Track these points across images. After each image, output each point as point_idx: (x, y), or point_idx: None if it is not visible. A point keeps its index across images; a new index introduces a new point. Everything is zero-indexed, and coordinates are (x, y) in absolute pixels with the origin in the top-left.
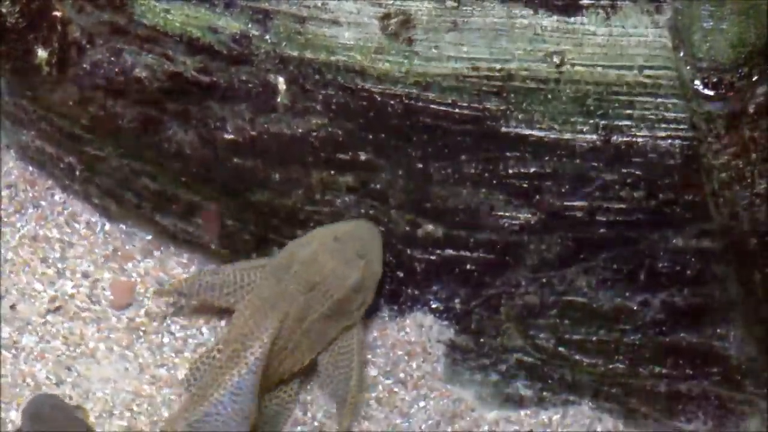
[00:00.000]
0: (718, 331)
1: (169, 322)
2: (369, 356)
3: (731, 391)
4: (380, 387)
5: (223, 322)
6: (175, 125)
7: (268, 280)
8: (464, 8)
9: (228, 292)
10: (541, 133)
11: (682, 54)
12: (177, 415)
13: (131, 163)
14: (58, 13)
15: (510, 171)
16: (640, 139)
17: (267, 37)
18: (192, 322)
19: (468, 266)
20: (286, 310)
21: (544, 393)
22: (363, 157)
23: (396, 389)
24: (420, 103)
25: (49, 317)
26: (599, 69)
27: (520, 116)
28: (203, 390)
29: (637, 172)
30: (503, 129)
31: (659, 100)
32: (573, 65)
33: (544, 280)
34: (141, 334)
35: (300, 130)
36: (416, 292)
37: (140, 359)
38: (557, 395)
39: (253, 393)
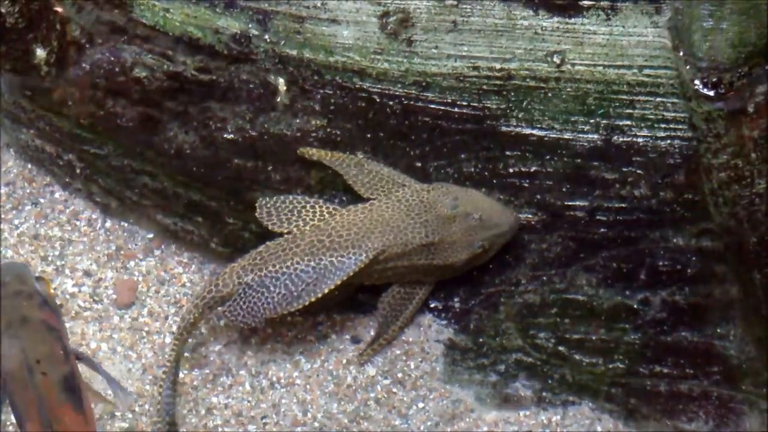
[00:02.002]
0: (719, 330)
1: (170, 322)
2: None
3: (731, 391)
4: (378, 387)
5: (222, 322)
6: (175, 125)
7: (400, 206)
8: (464, 7)
9: (368, 184)
10: (542, 133)
11: (681, 54)
12: (230, 270)
13: (131, 163)
14: (57, 12)
15: (510, 170)
16: (640, 139)
17: (266, 36)
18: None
19: None
20: (390, 245)
21: (544, 393)
22: (361, 156)
23: (395, 390)
24: (420, 103)
25: None
26: (599, 68)
27: (520, 115)
28: (266, 258)
29: (638, 172)
30: (503, 128)
31: (659, 99)
32: (573, 65)
33: (544, 279)
34: (144, 334)
35: (299, 130)
36: None
37: (143, 359)
38: (557, 395)
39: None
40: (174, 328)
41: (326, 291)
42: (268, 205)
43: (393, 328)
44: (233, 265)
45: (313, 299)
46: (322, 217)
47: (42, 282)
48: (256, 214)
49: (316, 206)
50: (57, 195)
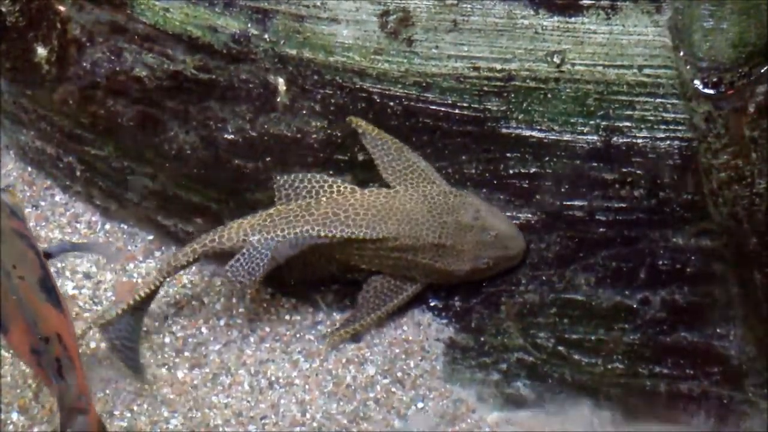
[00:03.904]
0: (718, 330)
1: (170, 322)
2: (367, 354)
3: (731, 391)
4: (378, 387)
5: (222, 322)
6: (175, 125)
7: (425, 200)
8: (464, 6)
9: (400, 172)
10: (542, 134)
11: (682, 54)
12: (237, 226)
13: (131, 164)
14: (57, 11)
15: (510, 172)
16: (640, 139)
17: (266, 36)
18: (192, 322)
19: None
20: (403, 235)
21: (544, 393)
22: (362, 157)
23: (394, 389)
24: (420, 104)
25: None
26: (599, 68)
27: (520, 117)
28: (276, 222)
29: (637, 172)
30: (504, 130)
31: (659, 100)
32: (573, 65)
33: (543, 279)
34: (142, 334)
35: (299, 130)
36: None
37: (142, 359)
38: (557, 395)
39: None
40: (174, 328)
41: (328, 235)
42: (287, 185)
43: (371, 317)
44: (241, 221)
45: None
46: (340, 193)
47: (7, 193)
48: (275, 197)
49: (334, 185)
50: (57, 198)
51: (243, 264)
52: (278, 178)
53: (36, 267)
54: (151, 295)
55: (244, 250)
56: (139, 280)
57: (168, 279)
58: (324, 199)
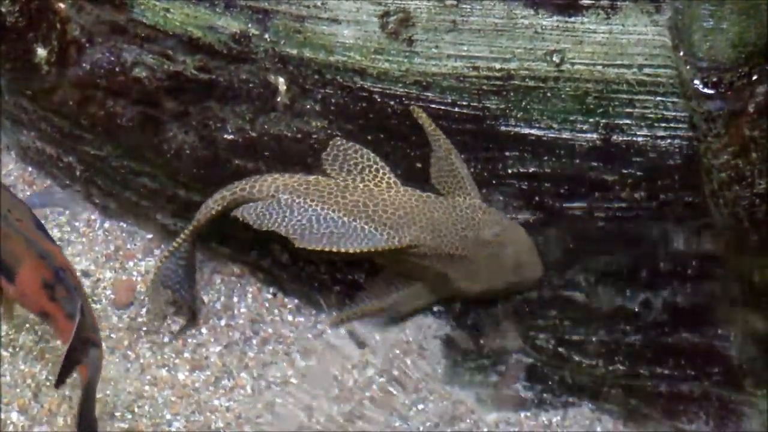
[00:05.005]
0: (719, 331)
1: (170, 321)
2: (368, 356)
3: (732, 392)
4: (378, 388)
5: (222, 322)
6: (175, 125)
7: (452, 212)
8: (464, 7)
9: (442, 172)
10: (540, 133)
11: (682, 53)
12: (272, 180)
13: (131, 163)
14: (57, 12)
15: (509, 171)
16: (639, 139)
17: (266, 36)
18: (193, 322)
19: None
20: (423, 244)
21: (544, 394)
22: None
23: (394, 391)
24: (420, 103)
25: None
26: (599, 67)
27: (519, 115)
28: (310, 190)
29: (637, 172)
30: (502, 128)
31: (659, 99)
32: (573, 64)
33: (543, 280)
34: (142, 334)
35: (300, 130)
36: None
37: (141, 360)
38: (557, 396)
39: None
40: (173, 327)
41: (338, 250)
42: (341, 147)
43: (376, 304)
44: (277, 176)
45: (319, 248)
46: (379, 184)
47: None
48: (323, 155)
49: (380, 171)
50: (57, 197)
51: (259, 210)
52: (337, 138)
53: (29, 213)
54: (188, 244)
55: (268, 201)
56: (139, 279)
57: (201, 228)
58: (362, 185)
